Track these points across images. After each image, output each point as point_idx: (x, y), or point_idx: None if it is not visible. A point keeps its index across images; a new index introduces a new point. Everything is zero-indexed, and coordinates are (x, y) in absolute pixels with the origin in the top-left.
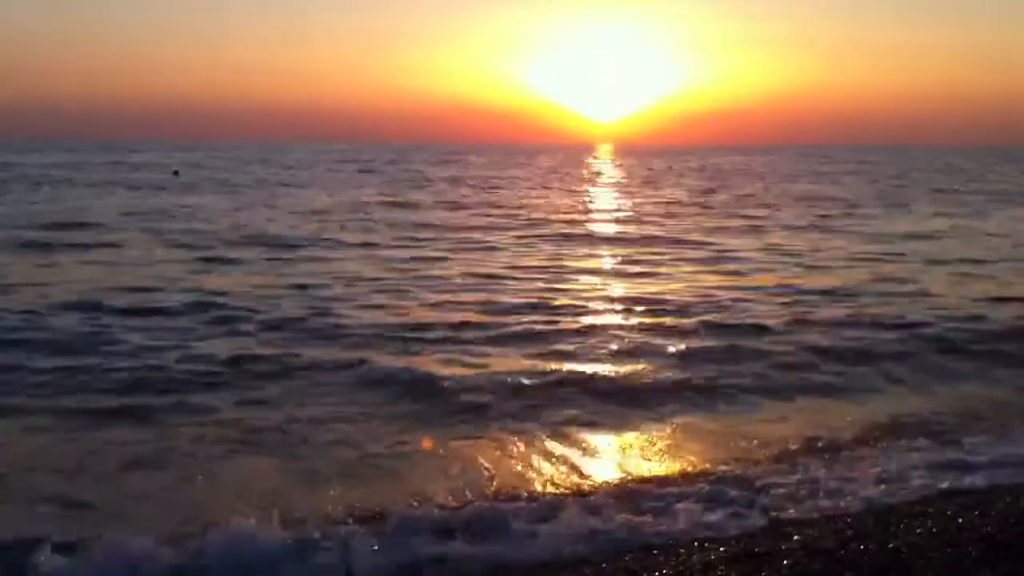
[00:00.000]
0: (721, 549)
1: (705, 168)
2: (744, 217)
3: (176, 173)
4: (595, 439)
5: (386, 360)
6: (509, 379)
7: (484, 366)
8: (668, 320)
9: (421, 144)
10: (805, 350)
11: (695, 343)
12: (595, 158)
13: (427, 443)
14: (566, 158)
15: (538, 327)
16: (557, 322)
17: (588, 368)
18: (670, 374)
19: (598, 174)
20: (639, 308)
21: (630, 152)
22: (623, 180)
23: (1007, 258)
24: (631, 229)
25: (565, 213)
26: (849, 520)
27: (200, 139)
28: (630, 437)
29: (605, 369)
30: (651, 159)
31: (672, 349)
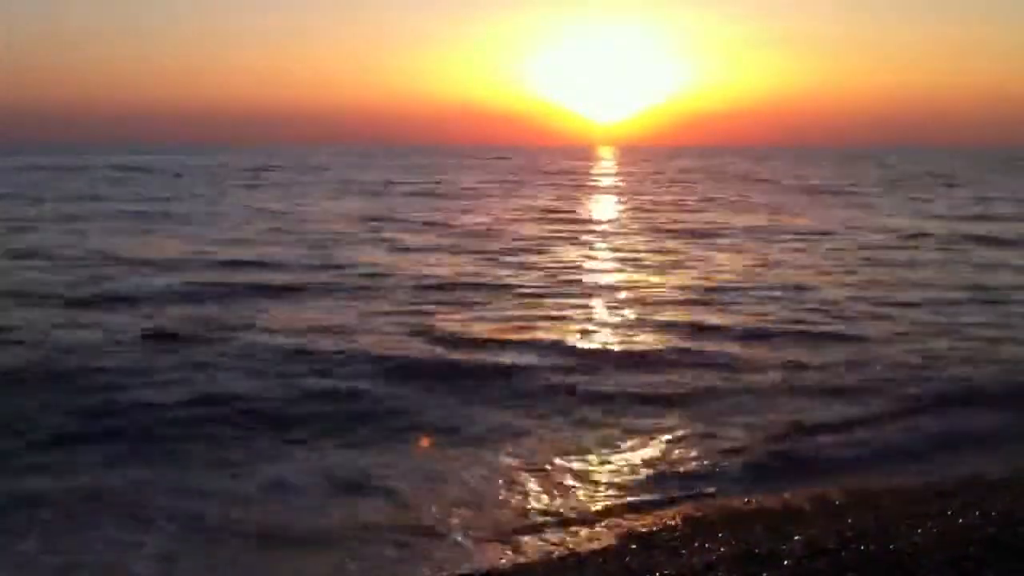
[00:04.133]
0: (722, 549)
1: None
2: None
3: (179, 175)
4: None
5: None
6: None
7: None
8: None
9: (424, 147)
10: None
11: None
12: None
13: None
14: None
15: None
16: None
17: None
18: None
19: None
20: None
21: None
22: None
23: None
24: None
25: None
26: (850, 520)
27: (193, 144)
28: None
29: None
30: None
31: None
